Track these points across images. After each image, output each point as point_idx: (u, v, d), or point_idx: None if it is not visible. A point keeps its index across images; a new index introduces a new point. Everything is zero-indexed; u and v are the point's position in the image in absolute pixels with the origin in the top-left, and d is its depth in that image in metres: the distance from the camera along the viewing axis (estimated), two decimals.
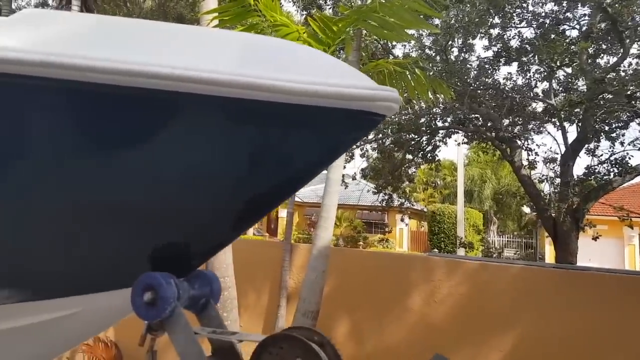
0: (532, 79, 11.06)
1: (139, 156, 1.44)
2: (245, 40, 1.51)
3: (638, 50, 9.85)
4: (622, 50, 9.54)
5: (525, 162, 10.66)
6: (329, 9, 11.80)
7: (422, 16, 6.23)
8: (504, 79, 11.28)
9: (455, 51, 11.86)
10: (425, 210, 26.01)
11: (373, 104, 1.35)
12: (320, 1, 12.90)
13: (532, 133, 11.25)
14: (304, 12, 12.67)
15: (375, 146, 12.70)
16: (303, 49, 1.49)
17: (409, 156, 12.26)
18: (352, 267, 6.23)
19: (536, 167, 10.84)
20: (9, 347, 1.86)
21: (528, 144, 11.01)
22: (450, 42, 11.36)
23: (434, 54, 11.85)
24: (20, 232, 1.60)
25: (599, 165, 9.71)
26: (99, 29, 1.49)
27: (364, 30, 6.31)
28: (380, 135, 11.94)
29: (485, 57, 10.97)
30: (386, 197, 12.53)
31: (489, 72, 10.52)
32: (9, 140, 1.46)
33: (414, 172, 13.65)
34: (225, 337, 1.63)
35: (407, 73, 6.19)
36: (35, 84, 1.35)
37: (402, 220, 16.50)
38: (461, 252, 17.80)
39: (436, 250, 22.20)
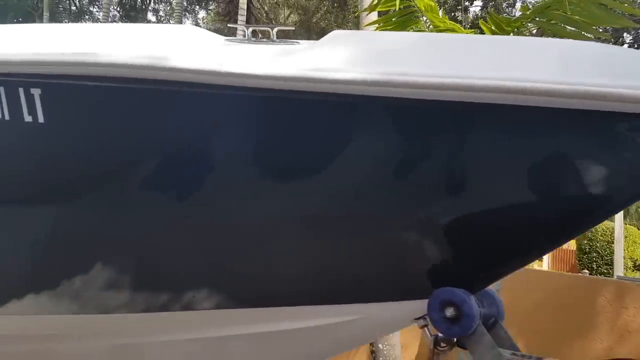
0: None
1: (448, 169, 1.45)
2: (572, 48, 1.44)
3: None
4: None
5: None
6: (478, 9, 11.34)
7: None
8: None
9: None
10: None
11: None
12: (466, 3, 12.47)
13: None
14: (449, 15, 12.38)
15: None
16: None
17: None
18: (525, 286, 5.73)
19: None
20: (288, 345, 1.96)
21: None
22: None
23: None
24: (302, 239, 1.68)
25: None
26: (414, 45, 1.50)
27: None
28: None
29: None
30: None
31: None
32: (321, 154, 1.53)
33: None
34: None
35: None
36: (361, 103, 1.39)
37: None
38: (619, 274, 15.72)
39: (586, 271, 19.95)
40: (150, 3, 21.12)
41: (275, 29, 1.65)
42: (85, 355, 2.31)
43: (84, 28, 2.66)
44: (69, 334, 2.20)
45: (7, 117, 1.80)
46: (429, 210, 1.54)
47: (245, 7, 8.75)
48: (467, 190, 1.46)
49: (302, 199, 1.61)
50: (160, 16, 21.67)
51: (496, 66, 1.32)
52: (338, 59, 1.43)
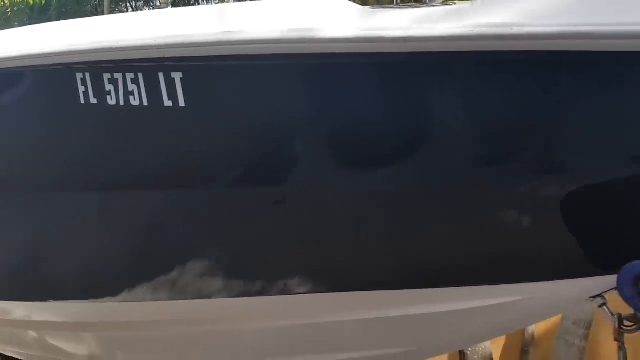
0: None
1: None
2: None
3: None
4: None
5: None
6: None
7: None
8: None
9: None
10: None
11: None
12: None
13: None
14: None
15: None
16: None
17: None
18: None
19: None
20: (447, 328, 1.89)
21: None
22: None
23: None
24: (461, 212, 1.59)
25: None
26: None
27: None
28: None
29: None
30: None
31: None
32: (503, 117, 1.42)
33: None
34: None
35: None
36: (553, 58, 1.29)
37: None
38: None
39: None
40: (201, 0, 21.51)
41: None
42: (181, 341, 2.31)
43: (207, 10, 2.64)
44: (165, 320, 2.19)
45: (145, 103, 1.78)
46: (606, 174, 1.40)
47: None
48: None
49: (452, 170, 1.51)
50: None
51: None
52: (518, 13, 1.31)
